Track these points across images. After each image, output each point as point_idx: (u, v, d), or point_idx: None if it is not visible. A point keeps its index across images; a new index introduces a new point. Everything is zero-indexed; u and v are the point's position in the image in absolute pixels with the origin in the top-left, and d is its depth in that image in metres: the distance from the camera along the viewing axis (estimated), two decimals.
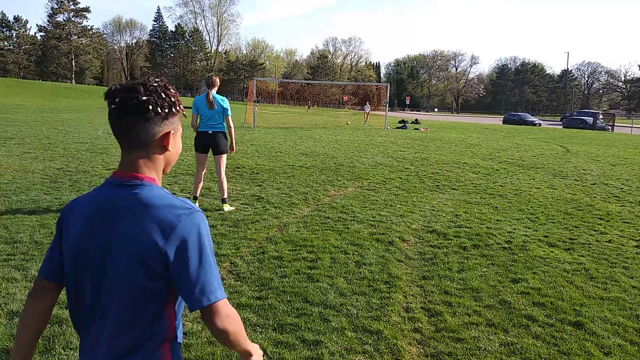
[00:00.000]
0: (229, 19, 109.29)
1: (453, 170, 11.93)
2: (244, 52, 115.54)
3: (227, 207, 7.05)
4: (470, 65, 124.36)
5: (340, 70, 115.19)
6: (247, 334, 3.51)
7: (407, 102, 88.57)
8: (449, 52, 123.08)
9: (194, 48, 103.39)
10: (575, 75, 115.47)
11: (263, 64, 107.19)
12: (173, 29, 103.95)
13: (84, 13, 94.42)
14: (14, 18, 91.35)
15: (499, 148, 18.22)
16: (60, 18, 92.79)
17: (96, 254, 1.38)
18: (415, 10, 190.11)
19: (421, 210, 7.47)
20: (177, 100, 1.45)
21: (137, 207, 1.36)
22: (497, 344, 3.49)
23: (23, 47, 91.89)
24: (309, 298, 4.12)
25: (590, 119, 44.03)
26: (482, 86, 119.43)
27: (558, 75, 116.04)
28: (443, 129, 31.44)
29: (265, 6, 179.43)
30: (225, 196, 7.09)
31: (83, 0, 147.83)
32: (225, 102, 7.00)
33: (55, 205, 6.90)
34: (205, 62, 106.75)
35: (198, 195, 7.22)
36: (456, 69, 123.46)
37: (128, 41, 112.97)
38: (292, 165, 11.72)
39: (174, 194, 7.85)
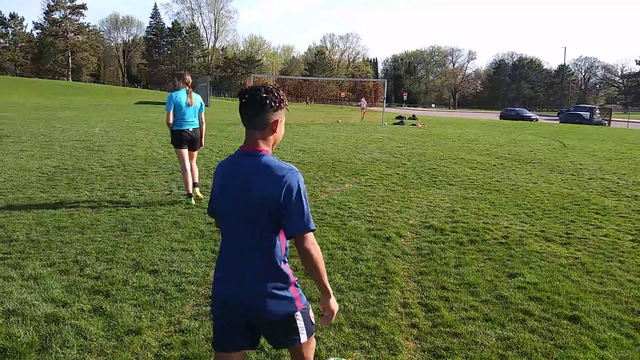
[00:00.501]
0: (226, 15, 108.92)
1: (450, 165, 11.94)
2: (241, 48, 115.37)
3: (193, 202, 7.17)
4: (468, 61, 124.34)
5: (338, 66, 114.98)
6: None
7: (405, 98, 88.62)
8: (446, 48, 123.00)
9: (191, 45, 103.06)
10: (572, 70, 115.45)
11: (260, 60, 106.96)
12: (170, 26, 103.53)
13: (81, 10, 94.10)
14: (10, 15, 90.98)
15: (496, 143, 18.23)
16: (56, 15, 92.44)
17: (233, 198, 2.08)
18: (412, 6, 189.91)
19: (418, 206, 7.47)
20: (284, 98, 2.12)
21: (260, 168, 2.05)
22: (494, 339, 3.50)
23: (19, 45, 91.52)
24: (305, 294, 4.11)
25: (587, 114, 44.07)
26: (479, 82, 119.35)
27: (555, 71, 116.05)
28: (440, 124, 31.44)
29: (263, 2, 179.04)
30: (197, 180, 7.36)
31: None
32: (201, 99, 7.26)
33: (52, 203, 6.89)
34: (202, 58, 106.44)
35: (192, 191, 7.21)
36: (453, 65, 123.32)
37: (125, 38, 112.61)
38: (290, 161, 11.67)
39: (171, 191, 7.85)
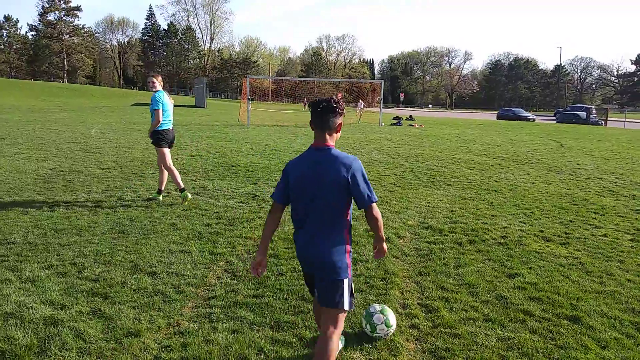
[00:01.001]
0: (222, 17, 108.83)
1: (448, 166, 11.94)
2: (237, 50, 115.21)
3: (161, 198, 7.43)
4: (464, 61, 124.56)
5: (334, 67, 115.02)
6: (244, 333, 3.50)
7: (402, 98, 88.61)
8: (442, 49, 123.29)
9: (186, 46, 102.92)
10: (568, 70, 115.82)
11: (257, 61, 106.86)
12: (165, 27, 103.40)
13: (76, 12, 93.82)
14: (4, 17, 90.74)
15: (493, 144, 18.26)
16: (51, 17, 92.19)
17: (310, 183, 2.72)
18: (408, 7, 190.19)
19: (417, 207, 7.47)
20: (344, 107, 2.82)
21: (331, 158, 2.72)
22: (494, 339, 3.49)
23: (14, 47, 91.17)
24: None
25: (583, 114, 44.20)
26: (476, 82, 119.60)
27: (551, 71, 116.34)
28: (437, 125, 31.48)
29: (258, 3, 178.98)
30: (163, 188, 7.52)
31: None
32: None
33: (49, 205, 6.85)
34: (198, 60, 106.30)
35: (183, 186, 7.40)
36: (450, 65, 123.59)
37: (120, 40, 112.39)
38: (287, 162, 11.67)
39: (169, 192, 7.80)
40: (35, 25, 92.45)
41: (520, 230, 6.31)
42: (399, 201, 7.81)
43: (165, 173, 7.39)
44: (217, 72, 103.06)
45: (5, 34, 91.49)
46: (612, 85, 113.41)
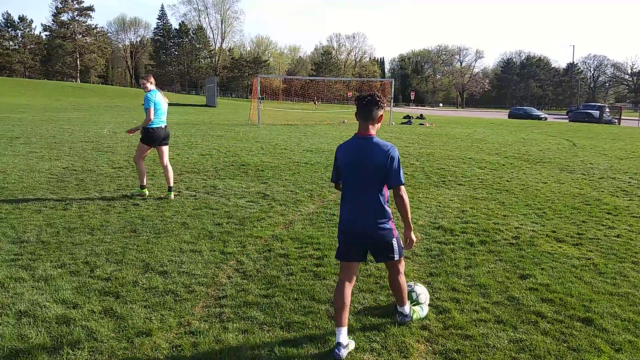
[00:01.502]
0: (233, 16, 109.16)
1: (459, 165, 11.87)
2: (248, 49, 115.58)
3: (172, 195, 7.56)
4: (475, 60, 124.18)
5: (345, 66, 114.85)
6: (255, 333, 3.51)
7: (412, 97, 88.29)
8: (453, 47, 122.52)
9: (197, 45, 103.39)
10: (581, 68, 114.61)
11: (267, 60, 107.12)
12: (177, 27, 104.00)
13: (88, 12, 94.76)
14: (19, 18, 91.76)
15: (504, 143, 18.12)
16: (64, 17, 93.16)
17: (356, 166, 3.28)
18: (419, 5, 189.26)
19: (427, 207, 7.43)
20: (385, 101, 3.38)
21: (372, 145, 3.28)
22: (506, 341, 3.46)
23: (28, 47, 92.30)
24: (316, 296, 4.10)
25: (596, 113, 43.67)
26: (487, 80, 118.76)
27: (564, 69, 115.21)
28: (448, 124, 31.31)
29: (269, 2, 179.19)
30: (172, 184, 7.66)
31: None
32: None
33: (62, 204, 6.92)
34: (209, 59, 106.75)
35: (145, 185, 7.74)
36: (461, 64, 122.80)
37: (132, 39, 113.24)
38: (297, 162, 11.70)
39: (180, 192, 7.85)
40: (49, 26, 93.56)
41: (532, 230, 6.25)
42: (409, 200, 7.76)
43: (144, 168, 7.70)
44: (228, 71, 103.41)
45: (20, 34, 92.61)
46: (625, 83, 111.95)
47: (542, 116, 48.94)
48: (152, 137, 7.47)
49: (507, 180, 9.89)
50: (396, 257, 3.40)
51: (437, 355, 3.29)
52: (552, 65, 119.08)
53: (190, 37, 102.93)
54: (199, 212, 6.72)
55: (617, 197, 8.57)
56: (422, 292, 3.94)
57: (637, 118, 43.11)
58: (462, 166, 11.73)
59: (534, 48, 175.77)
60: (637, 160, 13.81)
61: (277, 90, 63.74)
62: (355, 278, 3.47)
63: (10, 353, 3.14)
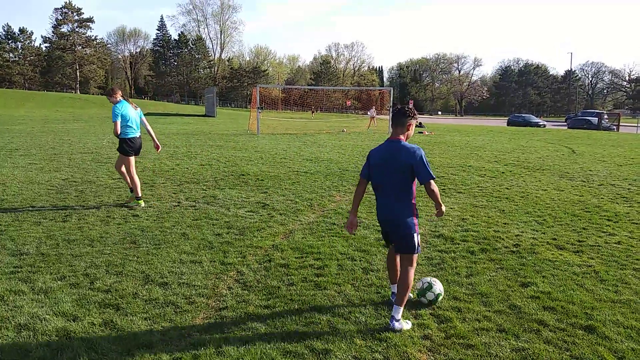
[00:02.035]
0: (232, 27, 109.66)
1: (458, 173, 11.88)
2: (247, 59, 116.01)
3: (143, 203, 7.68)
4: (473, 68, 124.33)
5: (343, 75, 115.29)
6: (256, 344, 3.49)
7: (411, 105, 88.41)
8: (451, 55, 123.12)
9: (197, 56, 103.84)
10: (579, 75, 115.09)
11: (266, 70, 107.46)
12: (176, 38, 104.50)
13: (88, 23, 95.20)
14: (20, 30, 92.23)
15: (504, 150, 18.14)
16: (64, 29, 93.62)
17: (385, 166, 3.84)
18: (416, 14, 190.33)
19: (427, 215, 7.43)
20: (415, 112, 3.97)
21: (400, 147, 3.82)
22: (508, 350, 3.44)
23: (28, 59, 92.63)
24: (316, 306, 4.09)
25: (595, 119, 43.76)
26: (486, 88, 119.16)
27: (562, 76, 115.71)
28: (447, 132, 31.37)
29: (267, 13, 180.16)
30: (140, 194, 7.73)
31: (87, 10, 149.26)
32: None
33: (61, 216, 6.91)
34: (208, 69, 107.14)
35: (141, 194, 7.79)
36: (459, 72, 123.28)
37: (132, 50, 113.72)
38: (297, 171, 11.70)
39: (179, 202, 7.84)
40: (49, 37, 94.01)
41: (533, 238, 6.24)
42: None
43: (137, 177, 7.73)
44: (227, 81, 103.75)
45: (20, 46, 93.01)
46: (623, 90, 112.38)
47: (541, 123, 49.08)
48: (131, 147, 7.65)
49: (507, 188, 9.89)
50: (413, 250, 3.82)
51: None
52: (550, 73, 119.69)
53: (189, 47, 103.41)
54: (198, 222, 6.71)
55: (617, 203, 8.57)
56: (437, 283, 4.26)
57: (636, 124, 43.24)
58: (462, 174, 11.74)
59: (531, 55, 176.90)
60: (636, 167, 13.82)
61: (276, 99, 63.89)
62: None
63: None
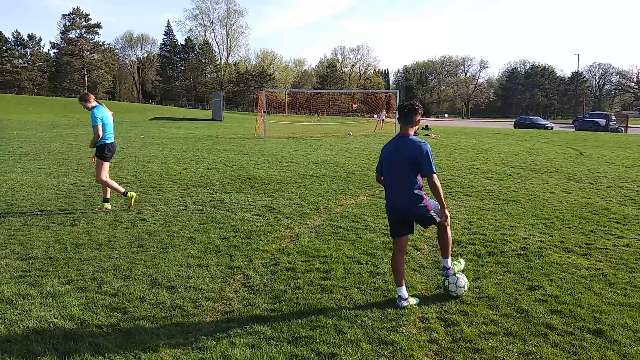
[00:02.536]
0: (238, 31, 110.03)
1: (465, 176, 11.84)
2: (253, 63, 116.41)
3: (109, 205, 7.76)
4: (480, 70, 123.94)
5: (349, 78, 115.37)
6: (262, 348, 3.49)
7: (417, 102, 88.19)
8: (457, 58, 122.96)
9: (204, 60, 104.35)
10: (586, 77, 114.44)
11: (272, 74, 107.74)
12: (183, 42, 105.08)
13: (96, 29, 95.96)
14: (28, 36, 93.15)
15: (511, 152, 18.07)
16: (72, 35, 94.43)
17: (395, 158, 4.21)
18: (422, 17, 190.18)
19: None
20: (422, 108, 4.31)
21: (408, 142, 4.16)
22: (516, 354, 3.43)
23: (37, 64, 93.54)
24: (323, 310, 4.09)
25: (602, 121, 43.47)
26: (492, 90, 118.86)
27: (569, 78, 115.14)
28: (454, 134, 31.28)
29: (274, 17, 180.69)
30: (109, 196, 7.85)
31: (94, 16, 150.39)
32: None
33: (69, 220, 6.96)
34: (215, 74, 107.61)
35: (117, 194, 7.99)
36: (465, 74, 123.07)
37: (139, 55, 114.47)
38: (303, 174, 11.72)
39: (186, 206, 7.88)
40: (57, 43, 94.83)
41: (540, 241, 6.21)
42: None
43: (111, 182, 7.78)
44: (234, 85, 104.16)
45: (29, 52, 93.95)
46: (631, 91, 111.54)
47: (548, 125, 48.82)
48: (110, 151, 7.72)
49: (514, 191, 9.85)
50: (438, 220, 4.24)
51: None
52: (557, 74, 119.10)
53: (196, 52, 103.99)
54: (205, 226, 6.74)
55: (626, 206, 8.51)
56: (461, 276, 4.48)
57: None
58: (469, 177, 11.70)
59: (538, 57, 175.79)
60: None
61: (283, 103, 64.07)
62: (405, 248, 4.42)
63: None
